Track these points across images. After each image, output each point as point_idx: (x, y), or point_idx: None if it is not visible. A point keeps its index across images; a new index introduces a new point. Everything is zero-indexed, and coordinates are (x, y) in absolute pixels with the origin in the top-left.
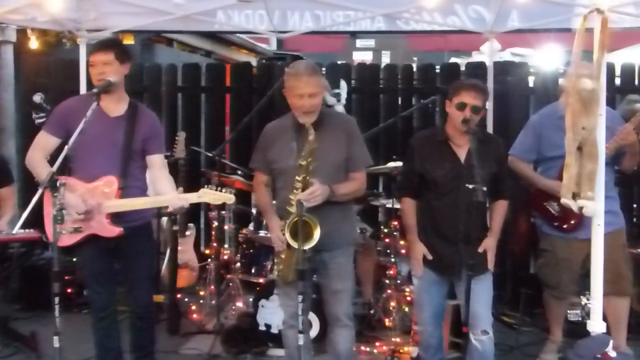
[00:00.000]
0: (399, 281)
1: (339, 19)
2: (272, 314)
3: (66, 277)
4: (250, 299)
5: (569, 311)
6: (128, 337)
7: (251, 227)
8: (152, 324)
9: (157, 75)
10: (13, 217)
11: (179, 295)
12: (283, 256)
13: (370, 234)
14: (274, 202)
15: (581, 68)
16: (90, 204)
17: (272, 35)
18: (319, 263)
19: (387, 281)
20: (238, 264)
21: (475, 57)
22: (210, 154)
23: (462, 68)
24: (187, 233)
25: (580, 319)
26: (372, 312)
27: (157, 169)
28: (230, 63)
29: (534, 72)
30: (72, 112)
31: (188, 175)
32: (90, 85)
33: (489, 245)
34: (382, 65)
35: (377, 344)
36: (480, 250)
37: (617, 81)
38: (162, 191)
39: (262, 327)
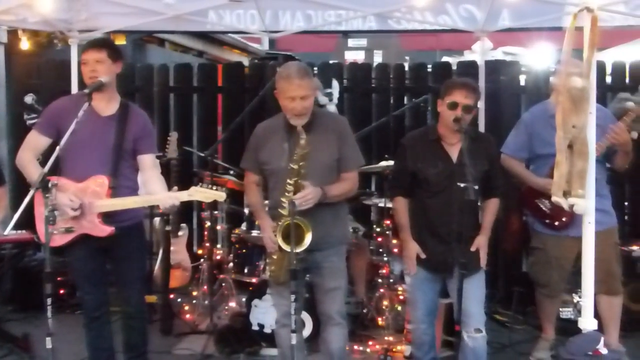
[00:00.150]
0: (391, 280)
1: (331, 19)
2: (265, 313)
3: (59, 278)
4: (243, 299)
5: (561, 309)
6: (121, 338)
7: (244, 227)
8: (144, 324)
9: (149, 76)
10: (5, 218)
11: (171, 296)
12: (275, 257)
13: (362, 233)
14: (266, 202)
15: (571, 66)
16: (81, 203)
17: (263, 35)
18: (312, 263)
19: (379, 280)
20: (231, 264)
21: (467, 56)
22: (202, 154)
23: (454, 67)
24: (180, 233)
25: (572, 316)
26: (365, 311)
27: (148, 169)
28: (222, 63)
29: (525, 71)
30: (63, 111)
31: (180, 176)
32: (81, 85)
33: (481, 243)
34: (374, 64)
35: (370, 343)
36: (472, 248)
37: (608, 79)
38: (153, 191)
39: (255, 327)
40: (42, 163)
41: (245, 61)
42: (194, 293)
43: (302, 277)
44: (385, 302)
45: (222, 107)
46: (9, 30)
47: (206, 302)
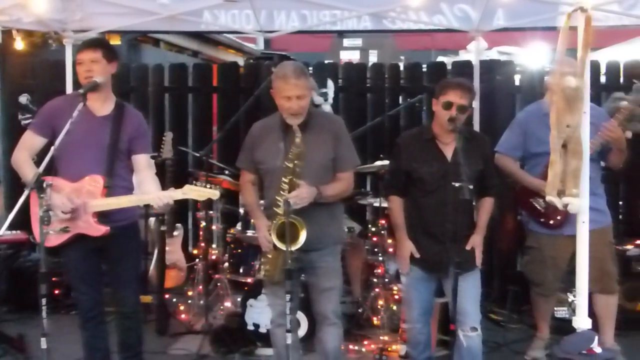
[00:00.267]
0: (387, 280)
1: (326, 19)
2: (260, 313)
3: (54, 279)
4: (239, 299)
5: (556, 308)
6: (116, 338)
7: (239, 227)
8: (139, 325)
9: (144, 76)
10: (0, 218)
11: (167, 296)
12: (270, 256)
13: (358, 233)
14: (262, 201)
15: (565, 66)
16: (76, 203)
17: (258, 35)
18: (307, 262)
19: (375, 280)
20: (226, 264)
21: (462, 56)
22: (197, 154)
23: (449, 67)
24: (175, 233)
25: (567, 315)
26: (360, 310)
27: (142, 169)
28: (217, 63)
29: (520, 71)
30: (58, 111)
31: (175, 176)
32: (76, 86)
33: (476, 242)
34: (369, 64)
35: (366, 342)
36: (468, 247)
37: (603, 79)
38: (148, 192)
39: (251, 327)
40: (38, 163)
41: (241, 61)
42: (189, 293)
43: (297, 277)
44: (381, 302)
45: (217, 107)
46: (3, 31)
47: (201, 302)
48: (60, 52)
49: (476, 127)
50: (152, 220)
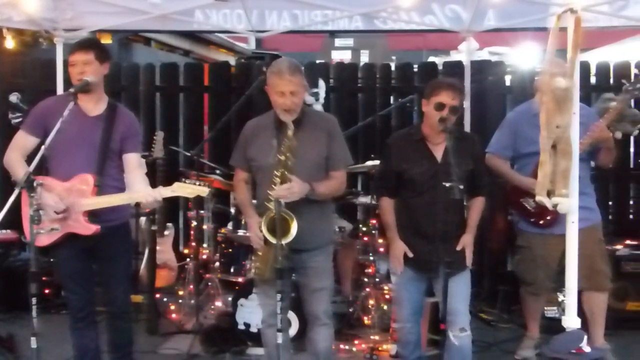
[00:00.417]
0: (377, 279)
1: (317, 19)
2: (251, 313)
3: (44, 278)
4: (229, 298)
5: (546, 308)
6: (106, 338)
7: (230, 226)
8: (130, 324)
9: (135, 75)
10: None
11: (157, 295)
12: (260, 253)
13: (349, 232)
14: (254, 201)
15: (555, 67)
16: (67, 202)
17: (250, 35)
18: (298, 262)
19: (365, 279)
20: (217, 264)
21: (454, 56)
22: (188, 154)
23: (440, 67)
24: (166, 233)
25: (557, 315)
26: (351, 310)
27: (132, 168)
28: (208, 62)
29: (510, 71)
30: (50, 111)
31: (166, 175)
32: (67, 85)
33: (466, 242)
34: (361, 64)
35: (356, 342)
36: (458, 247)
37: (593, 80)
38: (137, 190)
39: (241, 326)
40: (29, 163)
41: (232, 60)
42: (180, 292)
43: (288, 277)
44: (371, 301)
45: (209, 106)
46: None
47: (192, 301)
48: (51, 51)
49: (467, 127)
50: (143, 219)
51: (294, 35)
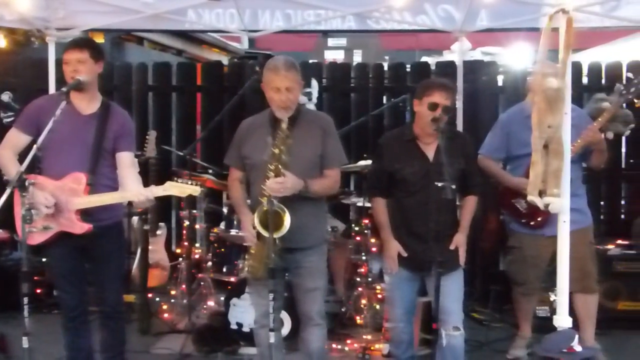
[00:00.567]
0: (370, 279)
1: (310, 18)
2: (243, 312)
3: (36, 278)
4: (222, 298)
5: (537, 307)
6: (98, 337)
7: (222, 226)
8: (122, 324)
9: (127, 74)
10: None
11: (150, 295)
12: (253, 251)
13: (341, 232)
14: (248, 201)
15: (546, 67)
16: (58, 200)
17: (242, 34)
18: (291, 262)
19: (358, 279)
20: (209, 263)
21: (446, 56)
22: (181, 153)
23: (433, 67)
24: (158, 232)
25: (548, 314)
26: (343, 309)
27: (125, 167)
28: (201, 62)
29: (503, 71)
30: (43, 110)
31: (159, 175)
32: (59, 84)
33: (459, 241)
34: (354, 64)
35: (349, 341)
36: (452, 247)
37: (585, 80)
38: (129, 189)
39: (234, 326)
40: (21, 162)
41: (225, 60)
42: (173, 292)
43: (281, 276)
44: (364, 301)
45: (201, 106)
46: None
47: (185, 301)
48: (43, 50)
49: (459, 127)
50: (135, 219)
51: (286, 34)
